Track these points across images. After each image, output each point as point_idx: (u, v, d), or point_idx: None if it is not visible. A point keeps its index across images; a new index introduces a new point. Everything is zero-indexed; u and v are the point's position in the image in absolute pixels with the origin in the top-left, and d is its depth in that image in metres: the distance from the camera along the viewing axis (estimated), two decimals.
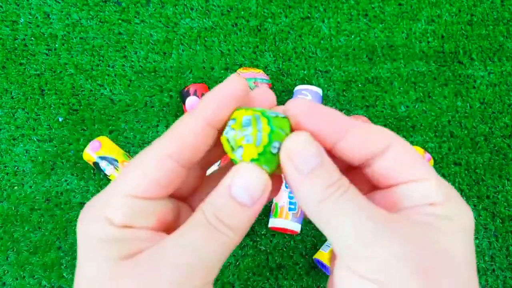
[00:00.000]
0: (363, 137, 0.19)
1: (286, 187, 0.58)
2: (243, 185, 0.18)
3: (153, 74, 0.67)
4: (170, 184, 0.19)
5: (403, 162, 0.19)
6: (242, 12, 0.70)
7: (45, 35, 0.69)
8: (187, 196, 0.22)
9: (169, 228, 0.19)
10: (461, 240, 0.18)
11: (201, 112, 0.18)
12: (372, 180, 0.20)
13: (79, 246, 0.18)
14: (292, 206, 0.57)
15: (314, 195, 0.18)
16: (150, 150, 0.19)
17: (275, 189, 0.21)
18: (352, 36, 0.69)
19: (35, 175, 0.62)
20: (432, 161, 0.59)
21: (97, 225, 0.18)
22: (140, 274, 0.17)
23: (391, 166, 0.19)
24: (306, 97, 0.62)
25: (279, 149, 0.18)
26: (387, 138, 0.19)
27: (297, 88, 0.63)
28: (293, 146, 0.18)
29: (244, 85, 0.19)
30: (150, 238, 0.18)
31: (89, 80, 0.67)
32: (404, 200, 0.19)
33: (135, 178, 0.18)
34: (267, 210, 0.61)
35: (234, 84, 0.19)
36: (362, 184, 0.21)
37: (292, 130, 0.19)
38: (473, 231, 0.19)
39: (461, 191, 0.62)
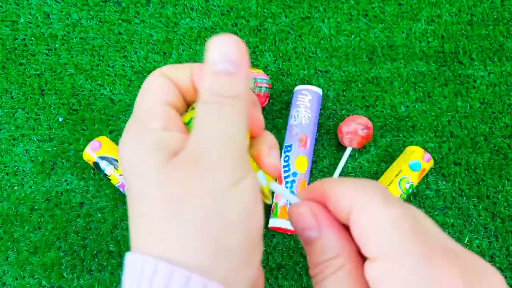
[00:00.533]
0: (333, 203, 0.19)
1: (286, 187, 0.58)
2: (220, 57, 0.18)
3: None
4: (179, 103, 0.21)
5: (358, 233, 0.17)
6: (242, 12, 0.70)
7: (45, 35, 0.69)
8: None
9: None
10: None
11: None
12: None
13: (126, 159, 0.19)
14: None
15: (309, 267, 0.19)
16: (154, 75, 0.21)
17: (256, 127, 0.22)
18: (352, 36, 0.69)
19: (35, 175, 0.62)
20: (432, 161, 0.59)
21: (142, 134, 0.19)
22: (188, 165, 0.17)
23: (357, 237, 0.18)
24: (306, 96, 0.62)
25: None
26: (348, 201, 0.18)
27: (297, 88, 0.63)
28: (291, 217, 0.20)
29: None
30: (183, 138, 0.19)
31: (89, 80, 0.67)
32: (372, 282, 0.17)
33: (157, 90, 0.21)
34: (267, 210, 0.61)
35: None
36: None
37: None
38: None
39: (461, 191, 0.62)
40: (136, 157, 0.18)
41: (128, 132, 0.20)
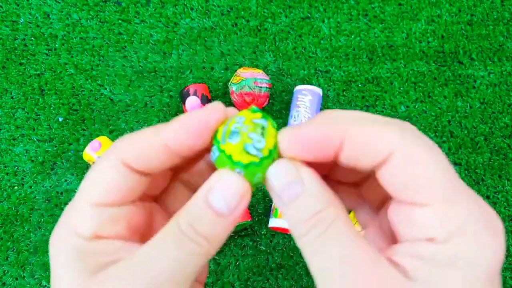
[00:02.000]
0: (360, 146, 0.16)
1: None
2: (221, 192, 0.17)
3: (153, 74, 0.67)
4: (132, 189, 0.18)
5: (404, 177, 0.15)
6: (242, 12, 0.70)
7: (45, 35, 0.69)
8: (159, 195, 0.21)
9: (144, 235, 0.19)
10: None
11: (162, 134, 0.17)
12: (385, 191, 0.17)
13: (51, 263, 0.17)
14: None
15: (295, 229, 0.17)
16: (105, 156, 0.18)
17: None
18: (352, 36, 0.69)
19: (35, 175, 0.62)
20: None
21: (66, 239, 0.17)
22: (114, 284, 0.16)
23: (391, 181, 0.16)
24: (306, 96, 0.62)
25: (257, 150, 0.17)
26: (387, 144, 0.15)
27: (297, 88, 0.63)
28: (273, 174, 0.17)
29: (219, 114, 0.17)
30: (122, 248, 0.17)
31: (89, 80, 0.67)
32: (404, 229, 0.16)
33: (94, 186, 0.17)
34: (267, 210, 0.61)
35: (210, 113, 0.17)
36: (377, 194, 0.19)
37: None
38: (497, 275, 0.15)
39: None
40: (55, 263, 0.17)
41: (57, 228, 0.18)
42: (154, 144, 0.17)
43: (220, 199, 0.16)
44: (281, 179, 0.17)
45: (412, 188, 0.15)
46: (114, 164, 0.17)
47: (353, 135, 0.16)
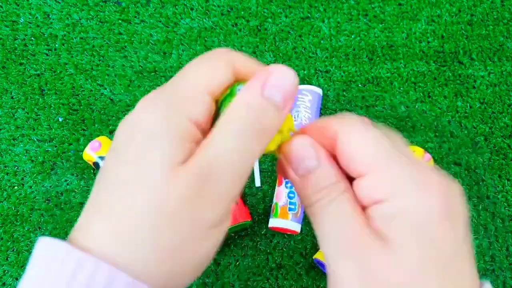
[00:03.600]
0: (319, 135, 0.19)
1: (286, 186, 0.58)
2: (277, 84, 0.18)
3: (153, 74, 0.67)
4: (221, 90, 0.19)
5: (347, 156, 0.18)
6: (242, 12, 0.70)
7: (45, 35, 0.69)
8: None
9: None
10: (411, 241, 0.17)
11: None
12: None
13: (138, 135, 0.17)
14: (292, 206, 0.57)
15: (306, 198, 0.19)
16: (217, 56, 0.19)
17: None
18: (352, 36, 0.69)
19: (35, 175, 0.62)
20: (432, 161, 0.59)
21: (179, 116, 0.17)
22: (195, 182, 0.17)
23: (344, 160, 0.19)
24: (306, 96, 0.62)
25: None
26: (332, 129, 0.19)
27: None
28: (291, 148, 0.19)
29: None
30: (199, 139, 0.18)
31: (89, 80, 0.67)
32: (364, 199, 0.18)
33: (211, 78, 0.18)
34: (267, 210, 0.61)
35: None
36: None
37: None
38: (438, 222, 0.17)
39: None
40: (154, 134, 0.17)
41: (161, 100, 0.18)
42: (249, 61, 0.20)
43: (277, 92, 0.18)
44: (301, 153, 0.19)
45: (353, 164, 0.18)
46: (226, 65, 0.19)
47: (319, 129, 0.19)
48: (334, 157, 0.20)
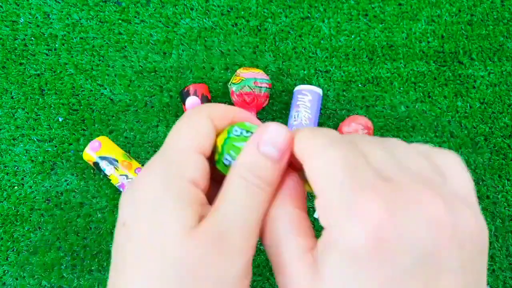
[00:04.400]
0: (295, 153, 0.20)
1: None
2: (270, 140, 0.19)
3: (153, 74, 0.67)
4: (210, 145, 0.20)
5: (311, 174, 0.18)
6: (242, 12, 0.70)
7: (45, 35, 0.69)
8: None
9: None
10: (339, 274, 0.16)
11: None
12: None
13: (145, 205, 0.18)
14: None
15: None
16: (196, 112, 0.20)
17: None
18: (352, 36, 0.69)
19: (35, 175, 0.62)
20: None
21: (177, 183, 0.18)
22: (211, 242, 0.17)
23: (308, 177, 0.19)
24: (306, 96, 0.62)
25: (230, 162, 0.20)
26: (301, 149, 0.19)
27: (297, 88, 0.63)
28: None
29: None
30: (205, 202, 0.19)
31: (89, 80, 0.67)
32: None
33: (197, 136, 0.19)
34: None
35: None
36: None
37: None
38: (365, 256, 0.15)
39: None
40: (160, 203, 0.18)
41: (156, 169, 0.19)
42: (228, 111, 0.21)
43: (271, 147, 0.19)
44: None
45: (313, 184, 0.18)
46: (206, 118, 0.20)
47: (303, 162, 0.19)
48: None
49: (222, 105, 0.21)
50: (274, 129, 0.19)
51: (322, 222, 0.17)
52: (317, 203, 0.17)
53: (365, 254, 0.15)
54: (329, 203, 0.17)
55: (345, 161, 0.17)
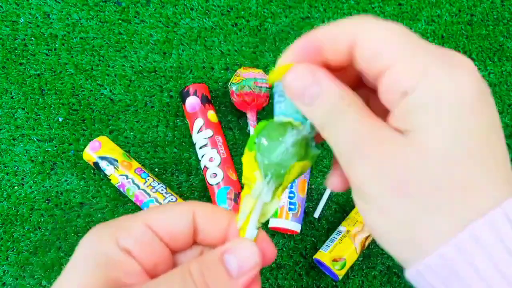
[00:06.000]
0: (333, 45, 0.19)
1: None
2: (237, 256, 0.18)
3: (153, 74, 0.67)
4: (180, 237, 0.20)
5: (373, 49, 0.17)
6: (242, 12, 0.70)
7: (45, 35, 0.69)
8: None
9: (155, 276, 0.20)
10: (444, 128, 0.16)
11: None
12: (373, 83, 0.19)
13: (75, 256, 0.18)
14: (292, 206, 0.57)
15: (320, 124, 0.19)
16: (176, 204, 0.21)
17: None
18: None
19: (35, 175, 0.62)
20: None
21: (103, 240, 0.18)
22: None
23: (366, 60, 0.18)
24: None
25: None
26: (350, 33, 0.18)
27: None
28: (291, 80, 0.19)
29: None
30: (138, 275, 0.18)
31: (89, 80, 0.67)
32: (387, 98, 0.17)
33: (157, 214, 0.19)
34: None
35: None
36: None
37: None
38: (476, 102, 0.16)
39: None
40: (74, 260, 0.18)
41: (99, 228, 0.19)
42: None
43: (234, 261, 0.18)
44: (299, 83, 0.18)
45: (377, 60, 0.17)
46: (185, 212, 0.20)
47: (326, 38, 0.18)
48: (345, 70, 0.19)
49: (208, 205, 0.21)
50: (247, 247, 0.19)
51: (400, 88, 0.16)
52: (390, 73, 0.16)
53: (471, 102, 0.16)
54: (411, 63, 0.16)
55: (410, 34, 0.17)
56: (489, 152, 0.16)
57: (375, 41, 0.17)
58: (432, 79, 0.16)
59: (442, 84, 0.16)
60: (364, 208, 0.18)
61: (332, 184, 0.21)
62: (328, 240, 0.57)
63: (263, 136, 0.20)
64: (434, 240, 0.16)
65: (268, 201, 0.21)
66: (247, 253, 0.19)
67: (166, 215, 0.20)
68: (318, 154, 0.22)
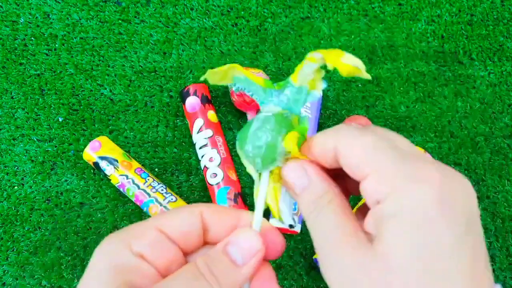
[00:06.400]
0: (320, 154, 0.21)
1: None
2: (239, 246, 0.20)
3: (153, 74, 0.67)
4: (189, 238, 0.21)
5: (352, 160, 0.19)
6: (242, 12, 0.70)
7: (45, 35, 0.69)
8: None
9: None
10: (403, 239, 0.16)
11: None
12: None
13: (91, 266, 0.19)
14: (292, 206, 0.57)
15: (304, 212, 0.21)
16: (185, 206, 0.22)
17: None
18: (352, 36, 0.69)
19: (35, 175, 0.62)
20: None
21: (117, 248, 0.19)
22: None
23: (348, 169, 0.20)
24: None
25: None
26: (333, 146, 0.20)
27: None
28: (286, 172, 0.22)
29: None
30: (152, 277, 0.19)
31: (89, 80, 0.67)
32: (367, 199, 0.19)
33: (167, 219, 0.21)
34: (267, 211, 0.61)
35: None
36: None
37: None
38: (437, 216, 0.16)
39: None
40: (91, 268, 0.19)
41: (112, 236, 0.20)
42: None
43: (236, 251, 0.20)
44: (293, 174, 0.21)
45: (357, 168, 0.19)
46: (194, 214, 0.21)
47: (315, 147, 0.21)
48: (335, 170, 0.21)
49: (215, 206, 0.23)
50: (247, 236, 0.20)
51: (373, 197, 0.18)
52: (366, 183, 0.18)
53: (435, 215, 0.16)
54: (381, 175, 0.17)
55: (385, 143, 0.19)
56: (449, 263, 0.16)
57: (353, 156, 0.19)
58: (398, 193, 0.17)
59: (404, 198, 0.17)
60: None
61: None
62: None
63: (238, 134, 0.22)
64: None
65: (268, 184, 0.23)
66: (248, 241, 0.20)
67: (176, 217, 0.21)
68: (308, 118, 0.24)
